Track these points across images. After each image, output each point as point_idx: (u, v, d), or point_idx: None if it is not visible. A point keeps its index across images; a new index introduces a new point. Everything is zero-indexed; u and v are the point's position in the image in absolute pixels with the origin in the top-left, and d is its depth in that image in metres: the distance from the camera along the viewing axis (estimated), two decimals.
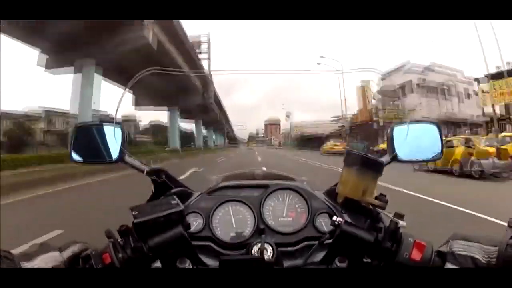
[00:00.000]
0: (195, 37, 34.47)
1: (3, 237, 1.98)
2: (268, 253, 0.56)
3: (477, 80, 25.79)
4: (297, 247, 0.65)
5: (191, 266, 0.56)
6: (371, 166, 0.56)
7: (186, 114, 42.11)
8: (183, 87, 28.47)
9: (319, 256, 0.61)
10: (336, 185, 0.64)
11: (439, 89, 29.17)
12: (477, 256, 0.48)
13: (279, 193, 0.73)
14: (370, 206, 0.56)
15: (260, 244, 0.57)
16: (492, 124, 18.90)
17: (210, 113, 44.26)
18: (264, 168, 1.13)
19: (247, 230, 0.66)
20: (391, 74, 29.67)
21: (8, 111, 24.91)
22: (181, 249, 0.54)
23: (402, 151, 0.64)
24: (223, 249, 0.64)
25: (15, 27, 13.55)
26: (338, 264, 0.54)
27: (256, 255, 0.56)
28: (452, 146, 9.61)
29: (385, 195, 0.56)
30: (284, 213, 0.70)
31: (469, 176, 8.51)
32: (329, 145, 26.48)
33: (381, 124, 26.67)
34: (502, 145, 9.47)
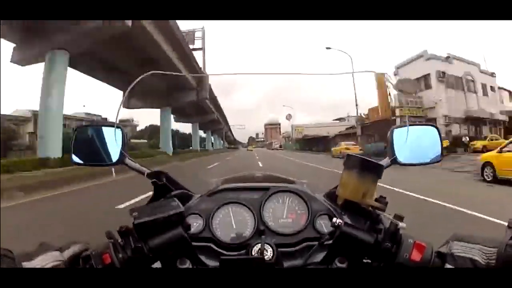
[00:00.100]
0: (189, 32, 32.03)
1: None
2: (268, 253, 0.56)
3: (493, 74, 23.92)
4: (297, 247, 0.65)
5: (191, 267, 0.56)
6: (371, 169, 0.56)
7: (181, 115, 40.89)
8: (175, 84, 26.30)
9: (319, 256, 0.62)
10: (336, 187, 0.64)
11: (463, 79, 24.97)
12: (476, 258, 0.48)
13: (279, 196, 0.73)
14: (370, 208, 0.56)
15: (260, 244, 0.57)
16: None
17: (207, 114, 43.26)
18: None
19: (247, 231, 0.67)
20: (405, 66, 26.47)
21: None
22: (181, 250, 0.54)
23: (402, 154, 0.64)
24: (223, 249, 0.65)
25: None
26: (338, 264, 0.55)
27: (256, 255, 0.56)
28: None
29: (385, 197, 0.56)
30: (284, 214, 0.71)
31: None
32: (342, 146, 23.61)
33: (405, 120, 24.36)
34: None
